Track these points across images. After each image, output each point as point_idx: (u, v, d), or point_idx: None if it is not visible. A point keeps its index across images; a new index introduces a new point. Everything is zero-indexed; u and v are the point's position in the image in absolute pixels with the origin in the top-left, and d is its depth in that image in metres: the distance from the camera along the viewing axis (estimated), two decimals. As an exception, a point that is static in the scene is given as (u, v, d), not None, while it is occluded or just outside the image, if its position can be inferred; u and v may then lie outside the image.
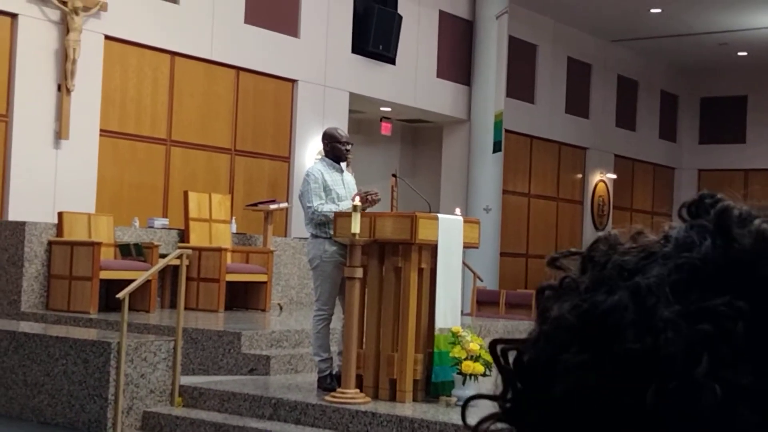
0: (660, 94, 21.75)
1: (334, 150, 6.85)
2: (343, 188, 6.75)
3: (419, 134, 17.79)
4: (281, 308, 10.21)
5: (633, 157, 20.91)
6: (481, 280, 13.30)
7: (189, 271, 8.61)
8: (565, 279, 0.64)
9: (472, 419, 0.66)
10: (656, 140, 21.72)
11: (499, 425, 0.63)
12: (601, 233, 0.66)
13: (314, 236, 6.69)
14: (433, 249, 6.50)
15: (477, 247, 7.14)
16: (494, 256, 15.61)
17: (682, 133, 22.43)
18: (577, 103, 19.11)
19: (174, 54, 11.94)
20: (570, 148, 19.05)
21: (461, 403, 5.25)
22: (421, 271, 6.49)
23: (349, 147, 6.89)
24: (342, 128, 7.05)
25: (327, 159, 6.90)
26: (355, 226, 6.19)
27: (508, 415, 0.62)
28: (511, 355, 0.64)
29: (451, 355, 6.33)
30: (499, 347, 0.65)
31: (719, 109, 21.86)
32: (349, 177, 6.97)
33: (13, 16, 10.34)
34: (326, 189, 6.70)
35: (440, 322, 6.46)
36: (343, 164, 6.97)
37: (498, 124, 15.80)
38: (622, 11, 17.50)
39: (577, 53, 19.03)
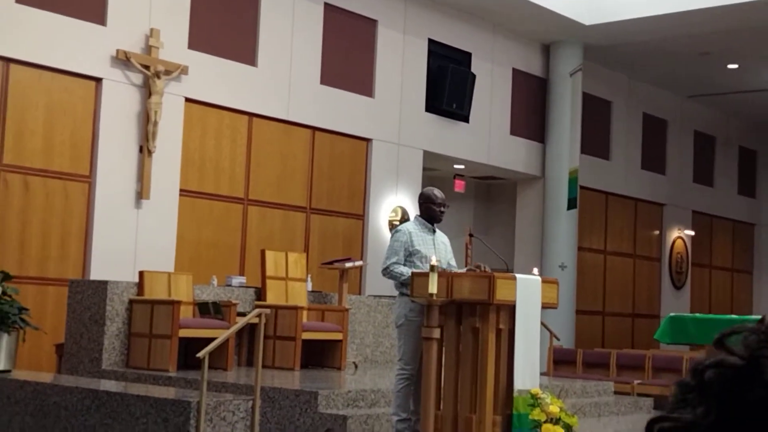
0: (738, 149, 21.42)
1: (428, 210, 6.89)
2: (433, 249, 6.74)
3: (493, 191, 17.77)
4: (356, 366, 10.20)
5: (711, 213, 20.55)
6: (558, 339, 13.13)
7: (265, 329, 8.65)
8: (761, 358, 0.60)
9: None
10: (735, 196, 21.34)
11: None
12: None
13: (401, 294, 6.70)
14: (511, 309, 6.45)
15: (555, 307, 7.07)
16: (570, 314, 15.42)
17: (762, 188, 22.00)
18: (654, 159, 18.91)
19: (252, 115, 12.17)
20: (646, 204, 18.82)
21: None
22: (499, 331, 6.44)
23: (443, 209, 6.91)
24: (439, 189, 7.06)
25: (420, 218, 6.94)
26: (432, 287, 6.19)
27: None
28: None
29: (530, 417, 6.24)
30: (658, 426, 0.62)
31: (799, 164, 21.42)
32: (443, 238, 6.97)
33: (98, 80, 10.67)
34: (412, 249, 6.71)
35: (519, 384, 6.39)
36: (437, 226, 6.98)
37: (573, 181, 15.70)
38: (698, 67, 17.36)
39: (653, 109, 18.88)
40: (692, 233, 19.88)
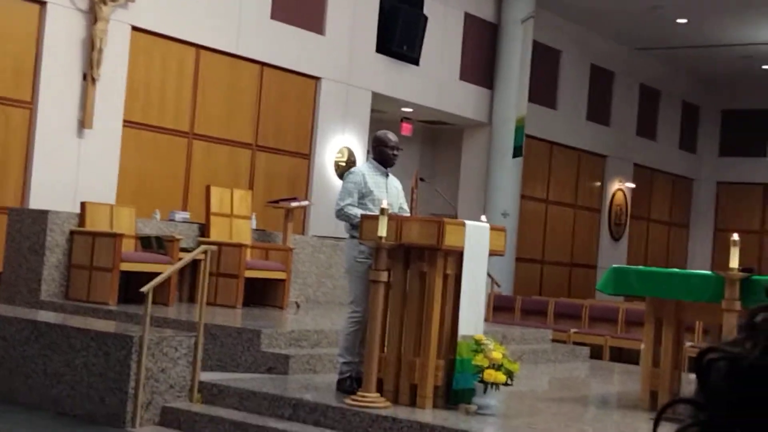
0: (682, 104, 21.66)
1: (381, 153, 6.82)
2: (385, 192, 6.70)
3: (440, 136, 17.76)
4: (298, 306, 10.19)
5: (652, 167, 20.82)
6: (499, 286, 13.26)
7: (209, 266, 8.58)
8: None
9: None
10: (676, 151, 21.63)
11: None
12: None
13: (351, 237, 6.66)
14: (458, 255, 6.46)
15: (503, 255, 7.10)
16: (510, 261, 15.56)
17: (703, 144, 22.33)
18: (599, 111, 19.04)
19: (199, 47, 11.93)
20: (590, 155, 18.98)
21: (481, 411, 5.22)
22: (446, 276, 6.45)
23: (396, 152, 6.85)
24: (393, 133, 6.99)
25: (373, 161, 6.87)
26: (382, 230, 6.16)
27: (712, 427, 0.61)
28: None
29: (473, 363, 6.29)
30: (708, 356, 0.65)
31: (740, 122, 21.75)
32: (395, 182, 6.93)
33: (42, 3, 10.35)
34: (365, 190, 6.67)
35: (463, 329, 6.42)
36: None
37: (519, 129, 15.74)
38: (648, 20, 17.43)
39: (601, 60, 18.96)
40: (633, 186, 20.14)
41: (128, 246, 9.06)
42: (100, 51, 10.58)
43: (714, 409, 0.60)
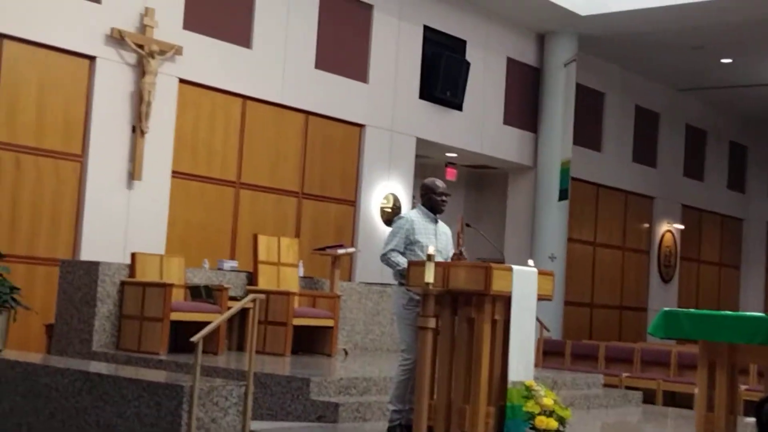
0: (729, 144, 21.46)
1: (430, 200, 6.86)
2: (434, 239, 6.70)
3: (484, 180, 17.75)
4: (347, 353, 10.18)
5: (701, 207, 20.60)
6: (548, 331, 13.15)
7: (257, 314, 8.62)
8: None
9: None
10: (724, 190, 21.39)
11: None
12: None
13: (399, 284, 6.67)
14: (506, 300, 6.43)
15: (551, 299, 7.05)
16: (558, 305, 15.44)
17: (751, 183, 22.07)
18: (645, 152, 18.93)
19: (245, 98, 12.10)
20: (637, 197, 18.84)
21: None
22: (494, 322, 6.42)
23: (445, 198, 6.88)
24: (440, 180, 7.02)
25: (422, 208, 6.90)
26: (429, 276, 6.16)
27: None
28: None
29: (524, 409, 6.23)
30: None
31: (789, 160, 21.49)
32: (444, 229, 6.94)
33: (92, 58, 10.58)
34: (413, 238, 6.68)
35: (513, 375, 6.37)
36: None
37: (564, 172, 15.70)
38: (692, 60, 17.36)
39: (645, 102, 18.89)
40: (681, 227, 19.93)
41: (178, 296, 9.14)
42: (149, 104, 10.77)
43: None
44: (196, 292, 9.17)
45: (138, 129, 10.79)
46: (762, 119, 21.29)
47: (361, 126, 13.50)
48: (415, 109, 14.21)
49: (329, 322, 9.91)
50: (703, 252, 20.91)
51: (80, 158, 10.53)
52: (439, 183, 6.91)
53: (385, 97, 13.76)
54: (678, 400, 11.84)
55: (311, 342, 10.00)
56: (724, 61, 17.35)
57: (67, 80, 10.45)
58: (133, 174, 10.76)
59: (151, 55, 10.81)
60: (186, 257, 9.81)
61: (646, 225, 19.18)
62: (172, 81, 11.21)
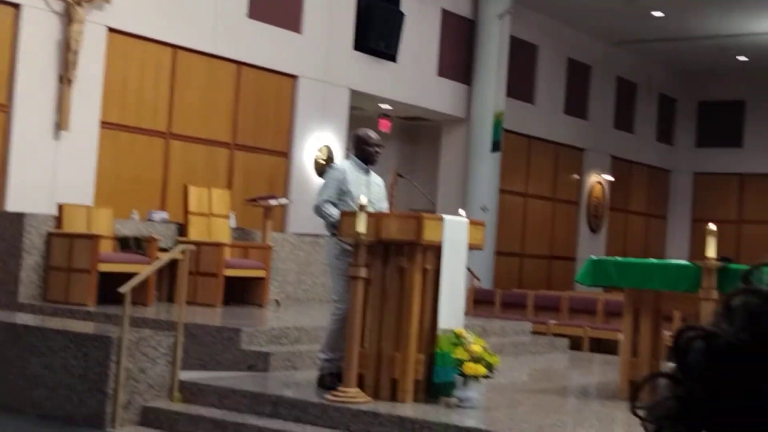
0: (658, 96, 21.77)
1: (363, 152, 6.84)
2: (366, 190, 6.70)
3: (418, 132, 17.78)
4: (278, 304, 10.20)
5: (630, 159, 20.93)
6: (479, 280, 13.30)
7: (187, 265, 8.58)
8: None
9: None
10: (653, 143, 21.74)
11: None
12: None
13: (331, 234, 6.68)
14: (437, 250, 6.49)
15: (481, 249, 7.13)
16: (489, 255, 15.61)
17: (679, 136, 22.46)
18: (576, 105, 19.12)
19: (176, 47, 11.90)
20: (568, 148, 19.06)
21: (461, 404, 5.25)
22: (425, 271, 6.48)
23: (378, 150, 6.87)
24: (374, 131, 7.00)
25: (355, 158, 6.88)
26: (361, 226, 6.18)
27: (688, 408, 0.64)
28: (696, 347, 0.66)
29: (453, 356, 6.32)
30: (688, 335, 0.67)
31: (717, 113, 21.89)
32: (377, 180, 6.94)
33: (17, 6, 10.29)
34: (345, 188, 6.68)
35: (443, 323, 6.45)
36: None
37: (497, 124, 15.80)
38: (624, 13, 17.51)
39: (578, 55, 19.03)
40: (611, 178, 20.23)
41: (106, 247, 9.04)
42: (76, 53, 10.54)
43: (692, 385, 0.63)
44: (125, 244, 9.08)
45: (65, 79, 10.56)
46: (691, 72, 21.62)
47: (294, 77, 13.38)
48: (349, 60, 14.12)
49: (261, 273, 9.90)
50: (632, 203, 21.29)
51: (6, 108, 10.29)
52: (372, 134, 6.90)
53: (319, 48, 13.65)
54: (604, 347, 12.12)
55: (243, 293, 9.99)
56: (655, 14, 17.53)
57: (-10, 27, 10.16)
58: (61, 124, 10.55)
59: (78, 3, 10.55)
60: (115, 208, 9.69)
61: (577, 176, 19.44)
62: (101, 30, 10.97)
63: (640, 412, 0.69)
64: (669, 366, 0.71)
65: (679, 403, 0.64)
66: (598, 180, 19.88)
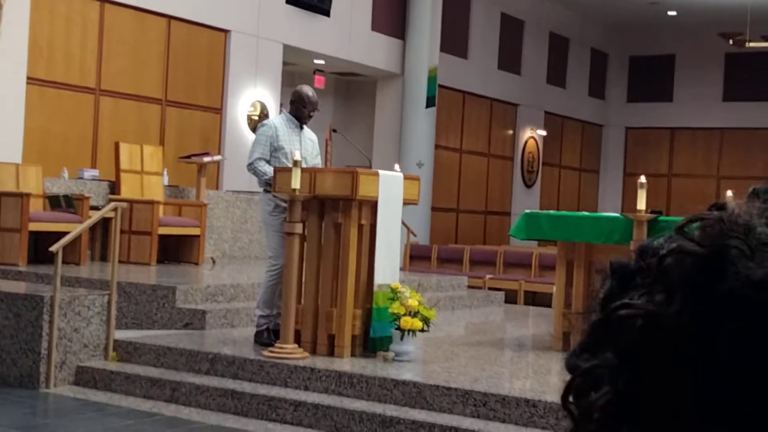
0: (590, 51, 21.95)
1: (298, 111, 6.76)
2: (299, 146, 6.63)
3: (353, 88, 17.69)
4: (214, 262, 10.13)
5: (563, 114, 21.11)
6: (415, 235, 13.36)
7: (121, 224, 8.46)
8: (729, 248, 0.55)
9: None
10: (586, 98, 21.95)
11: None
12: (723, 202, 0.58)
13: (264, 191, 6.63)
14: (373, 205, 6.49)
15: (416, 204, 7.15)
16: (425, 211, 15.67)
17: (611, 90, 22.70)
18: (510, 60, 19.18)
19: (104, 1, 11.62)
20: (502, 104, 19.14)
21: (399, 358, 5.28)
22: (360, 227, 6.48)
23: (313, 113, 6.80)
24: (313, 91, 6.89)
25: (289, 114, 6.80)
26: (295, 182, 6.14)
27: (618, 385, 0.55)
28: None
29: (389, 311, 6.35)
30: (622, 312, 0.56)
31: (647, 68, 22.15)
32: (310, 135, 6.87)
33: (-65, -44, 9.93)
34: (277, 144, 6.61)
35: (379, 278, 6.47)
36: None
37: (432, 79, 15.79)
38: (556, -32, 17.55)
39: (511, 9, 19.06)
40: (544, 133, 20.40)
41: (36, 206, 8.86)
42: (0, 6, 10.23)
43: (630, 373, 0.54)
44: (55, 202, 8.91)
45: (-12, 32, 10.24)
46: (622, 26, 21.81)
47: (226, 31, 13.18)
48: (281, 15, 13.94)
49: (196, 231, 9.81)
50: (564, 157, 21.51)
51: (-74, 63, 9.96)
52: (312, 96, 6.82)
53: (251, 2, 13.45)
54: (538, 300, 12.29)
55: (178, 251, 9.89)
56: (586, -31, 17.60)
57: None
58: (-15, 80, 10.26)
59: (0, -47, 10.22)
60: (44, 166, 9.49)
61: (510, 132, 19.56)
62: (24, -18, 10.65)
63: (573, 409, 0.58)
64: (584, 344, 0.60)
65: (618, 397, 0.56)
66: (532, 135, 20.04)
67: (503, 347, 8.08)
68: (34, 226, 8.63)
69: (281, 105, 13.64)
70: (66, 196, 8.94)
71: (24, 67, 10.71)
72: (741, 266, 0.53)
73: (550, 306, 10.22)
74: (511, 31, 19.15)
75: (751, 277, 0.53)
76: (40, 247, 8.72)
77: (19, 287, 7.09)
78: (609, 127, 22.72)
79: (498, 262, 13.30)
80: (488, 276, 12.81)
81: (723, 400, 0.52)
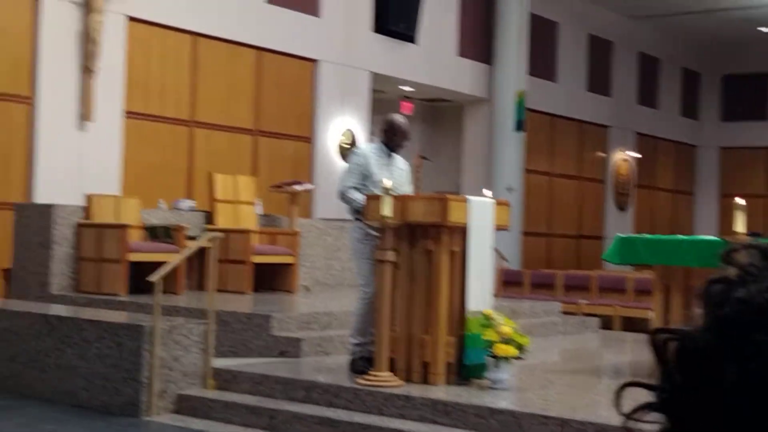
0: (682, 71, 21.58)
1: (390, 140, 6.81)
2: (389, 175, 6.67)
3: (440, 114, 17.73)
4: (308, 290, 10.22)
5: (655, 135, 20.77)
6: (507, 261, 13.27)
7: (216, 253, 8.61)
8: (749, 266, 0.60)
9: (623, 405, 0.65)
10: (678, 118, 21.57)
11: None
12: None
13: (355, 219, 6.68)
14: (463, 231, 6.47)
15: (507, 230, 7.11)
16: (517, 235, 15.58)
17: (704, 110, 22.26)
18: (599, 81, 18.99)
19: (196, 35, 11.92)
20: (592, 126, 18.94)
21: (493, 385, 5.24)
22: (452, 253, 6.47)
23: (404, 142, 6.85)
24: (405, 120, 6.94)
25: (380, 143, 6.86)
26: (386, 209, 6.17)
27: (666, 405, 0.60)
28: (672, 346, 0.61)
29: (483, 338, 6.32)
30: (661, 337, 0.62)
31: (741, 86, 21.66)
32: (401, 164, 6.91)
33: (37, -3, 10.33)
34: (368, 172, 6.66)
35: (472, 305, 6.44)
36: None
37: (520, 103, 15.72)
38: (645, -12, 17.34)
39: (599, 30, 18.89)
40: (636, 155, 20.10)
41: (135, 237, 9.09)
42: (97, 43, 10.57)
43: (666, 390, 0.59)
44: (153, 233, 9.12)
45: (87, 69, 10.60)
46: (714, 45, 21.40)
47: (314, 61, 13.37)
48: (368, 43, 14.09)
49: (289, 259, 9.92)
50: (658, 179, 21.15)
51: (29, 100, 10.34)
52: (403, 125, 6.86)
53: (338, 31, 13.62)
54: (635, 326, 12.07)
55: (272, 279, 10.02)
56: (676, -12, 17.35)
57: (12, 20, 10.21)
58: (85, 115, 10.60)
59: (98, -8, 10.57)
60: (142, 198, 9.74)
61: (602, 154, 19.33)
62: (121, 19, 11.00)
63: (629, 423, 0.65)
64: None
65: (655, 410, 0.61)
66: (624, 157, 19.76)
67: (600, 374, 7.95)
68: (133, 257, 8.84)
69: (371, 132, 13.75)
70: (164, 227, 9.15)
71: (121, 101, 11.04)
72: (754, 288, 0.57)
73: (647, 332, 10.03)
74: (599, 52, 18.97)
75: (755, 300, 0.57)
76: (139, 277, 8.93)
77: (120, 317, 7.27)
78: (703, 148, 22.26)
79: (592, 287, 13.11)
80: (583, 301, 12.64)
81: (751, 420, 0.55)
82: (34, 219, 8.99)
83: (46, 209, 8.98)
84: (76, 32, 10.56)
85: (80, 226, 8.99)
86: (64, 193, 10.19)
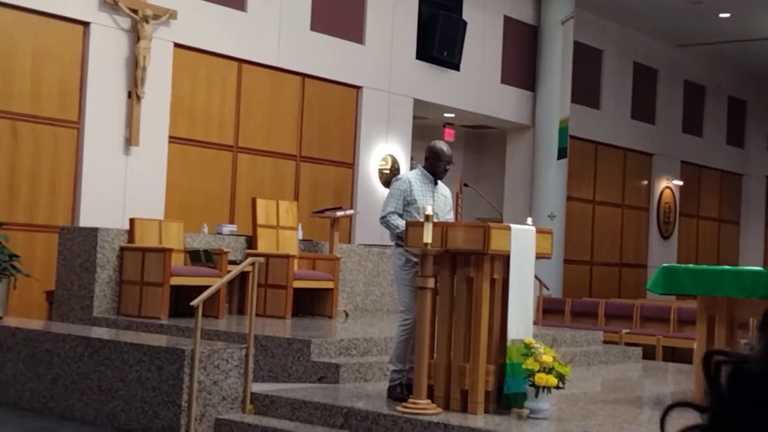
0: (727, 99, 21.38)
1: (433, 166, 6.83)
2: (432, 200, 6.68)
3: (483, 140, 17.72)
4: (347, 315, 10.22)
5: (700, 163, 20.57)
6: (548, 289, 13.18)
7: (257, 278, 8.65)
8: None
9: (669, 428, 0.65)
10: (724, 146, 21.35)
11: None
12: None
13: (396, 245, 6.68)
14: (505, 259, 6.44)
15: (549, 258, 7.06)
16: (558, 263, 15.47)
17: (750, 139, 22.02)
18: (643, 109, 18.87)
19: (241, 61, 12.05)
20: (636, 154, 18.81)
21: (533, 415, 5.18)
22: (493, 281, 6.43)
23: (448, 167, 6.86)
24: (448, 146, 6.97)
25: (424, 169, 6.88)
26: (427, 236, 6.16)
27: (715, 426, 0.60)
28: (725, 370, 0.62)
29: (523, 366, 6.26)
30: (715, 359, 0.63)
31: (789, 115, 21.40)
32: (444, 191, 6.91)
33: (86, 24, 10.52)
34: (410, 198, 6.67)
35: (512, 334, 6.39)
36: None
37: (563, 130, 15.66)
38: (690, 15, 17.25)
39: (644, 58, 18.80)
40: (680, 183, 19.91)
41: (177, 260, 9.16)
42: (144, 69, 10.72)
43: (718, 412, 0.61)
44: (195, 257, 9.19)
45: (134, 94, 10.75)
46: (761, 74, 21.20)
47: (358, 88, 13.44)
48: (412, 70, 14.14)
49: (329, 284, 9.93)
50: (703, 208, 20.92)
51: (77, 125, 10.51)
52: (447, 150, 6.87)
53: (382, 59, 13.70)
54: (678, 356, 11.91)
55: (312, 304, 10.03)
56: (722, 15, 17.24)
57: (62, 47, 10.40)
58: (130, 139, 10.74)
59: (146, 19, 10.74)
60: (185, 222, 9.82)
61: (645, 182, 19.17)
62: (167, 45, 11.15)
63: None
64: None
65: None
66: (668, 185, 19.58)
67: (642, 405, 7.84)
68: (175, 281, 8.91)
69: (412, 158, 13.77)
70: (206, 251, 9.21)
71: (166, 126, 11.17)
72: None
73: (690, 362, 9.89)
74: (644, 80, 18.86)
75: None
76: (180, 301, 9.00)
77: (161, 340, 7.32)
78: (749, 177, 21.99)
79: (635, 316, 12.96)
80: (625, 331, 12.50)
81: None
82: (79, 242, 9.10)
83: (91, 232, 9.09)
84: (124, 58, 10.73)
85: (123, 249, 9.08)
86: (108, 217, 10.32)
